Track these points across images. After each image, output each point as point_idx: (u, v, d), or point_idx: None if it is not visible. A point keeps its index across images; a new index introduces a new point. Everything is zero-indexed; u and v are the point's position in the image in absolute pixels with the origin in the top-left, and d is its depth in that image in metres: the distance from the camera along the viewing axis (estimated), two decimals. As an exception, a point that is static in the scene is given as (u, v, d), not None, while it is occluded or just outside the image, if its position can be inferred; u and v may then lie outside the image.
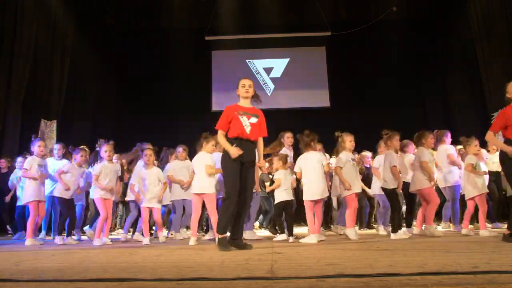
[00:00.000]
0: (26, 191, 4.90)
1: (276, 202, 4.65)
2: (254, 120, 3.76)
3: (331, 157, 5.59)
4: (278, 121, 9.44)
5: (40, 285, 1.98)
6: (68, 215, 4.92)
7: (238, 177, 3.70)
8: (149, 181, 4.72)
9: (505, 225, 4.02)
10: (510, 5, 7.46)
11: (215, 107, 10.61)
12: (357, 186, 4.48)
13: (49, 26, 8.15)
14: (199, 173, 4.46)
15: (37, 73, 7.76)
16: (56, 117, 8.07)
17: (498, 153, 5.74)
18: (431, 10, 10.53)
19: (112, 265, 2.64)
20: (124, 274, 2.20)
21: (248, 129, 3.71)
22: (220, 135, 3.77)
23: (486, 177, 4.90)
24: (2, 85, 6.84)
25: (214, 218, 4.48)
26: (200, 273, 2.18)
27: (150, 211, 4.78)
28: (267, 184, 5.04)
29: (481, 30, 8.41)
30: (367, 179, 5.88)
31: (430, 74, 10.57)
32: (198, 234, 4.93)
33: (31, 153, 5.12)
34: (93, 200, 4.97)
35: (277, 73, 10.96)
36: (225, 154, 3.73)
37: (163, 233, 4.89)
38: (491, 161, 5.98)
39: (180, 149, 5.38)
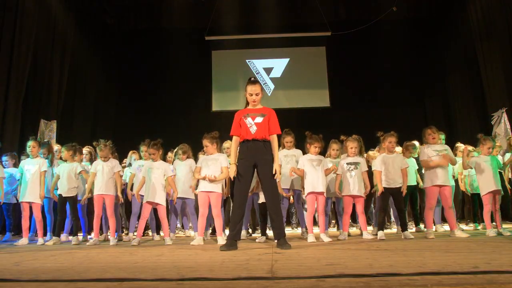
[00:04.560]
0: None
1: (260, 201, 4.75)
2: (259, 119, 3.75)
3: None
4: (278, 121, 9.48)
5: (40, 285, 1.98)
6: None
7: (249, 184, 3.76)
8: (155, 175, 4.65)
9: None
10: (510, 5, 7.45)
11: (215, 107, 10.60)
12: (349, 189, 4.62)
13: (49, 26, 8.14)
14: (209, 165, 4.44)
15: (37, 73, 7.74)
16: (56, 117, 8.06)
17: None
18: (431, 10, 10.52)
19: (112, 265, 2.64)
20: (124, 274, 2.20)
21: (253, 129, 3.72)
22: (233, 142, 3.86)
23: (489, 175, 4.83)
24: (1, 85, 6.84)
25: (217, 219, 4.49)
26: (200, 273, 2.18)
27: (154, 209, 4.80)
28: None
29: (481, 30, 8.40)
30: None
31: (430, 74, 10.57)
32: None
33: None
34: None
35: (277, 73, 10.95)
36: (238, 161, 3.78)
37: (169, 237, 4.69)
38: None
39: (179, 151, 5.41)
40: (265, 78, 10.91)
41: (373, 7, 10.23)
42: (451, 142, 5.47)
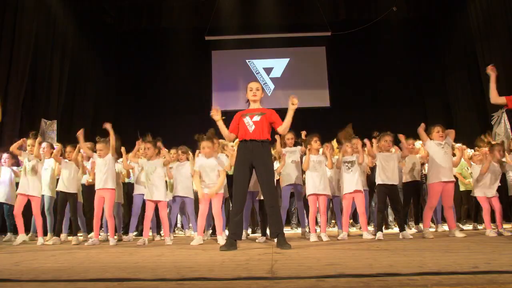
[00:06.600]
0: None
1: (258, 198, 4.87)
2: (257, 118, 3.75)
3: None
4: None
5: (40, 285, 1.98)
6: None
7: (246, 186, 3.74)
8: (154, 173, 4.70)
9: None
10: (510, 5, 7.45)
11: (215, 107, 10.58)
12: (348, 187, 4.62)
13: (49, 26, 8.14)
14: (208, 172, 4.44)
15: (37, 73, 7.75)
16: (56, 117, 8.06)
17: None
18: (431, 10, 10.51)
19: (112, 265, 2.64)
20: (124, 274, 2.20)
21: (251, 128, 3.71)
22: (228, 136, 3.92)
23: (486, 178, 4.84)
24: (1, 85, 6.84)
25: (218, 219, 4.49)
26: (200, 273, 2.18)
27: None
28: None
29: (481, 29, 8.40)
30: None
31: (430, 74, 10.57)
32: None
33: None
34: None
35: (277, 73, 10.96)
36: (236, 163, 3.77)
37: (170, 237, 4.70)
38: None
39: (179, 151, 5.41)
40: (265, 78, 10.91)
41: (373, 7, 10.22)
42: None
